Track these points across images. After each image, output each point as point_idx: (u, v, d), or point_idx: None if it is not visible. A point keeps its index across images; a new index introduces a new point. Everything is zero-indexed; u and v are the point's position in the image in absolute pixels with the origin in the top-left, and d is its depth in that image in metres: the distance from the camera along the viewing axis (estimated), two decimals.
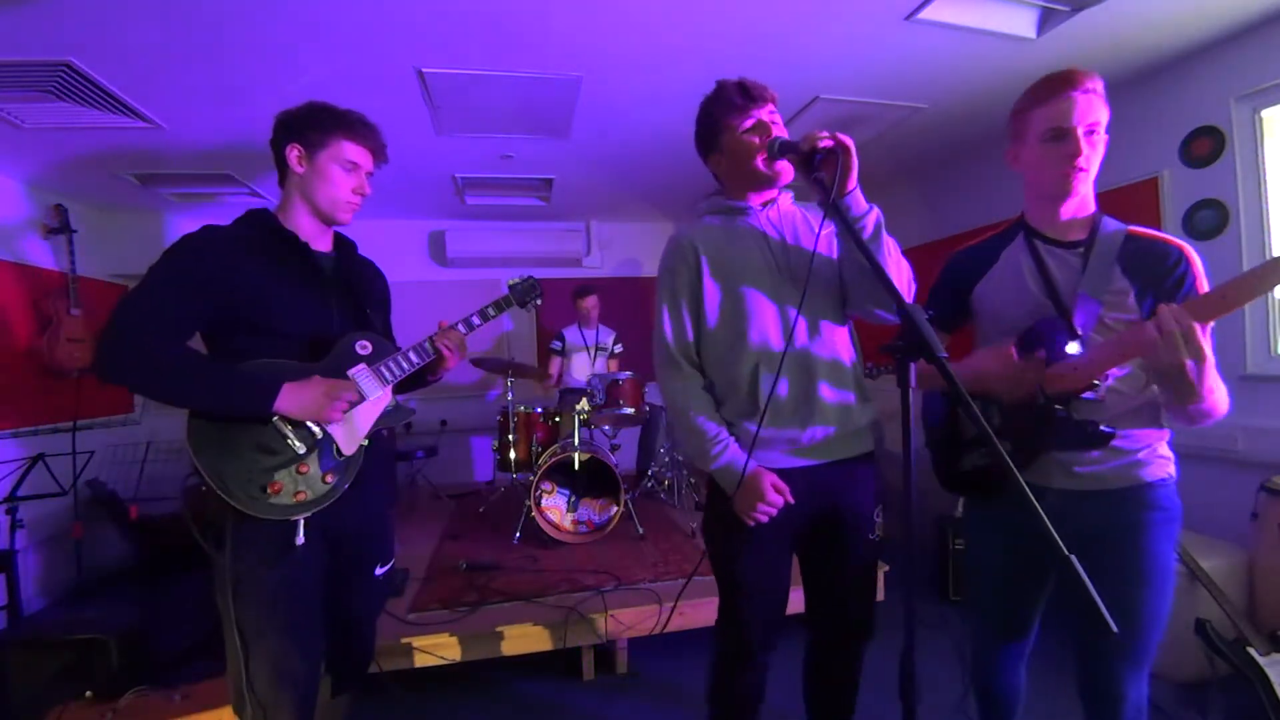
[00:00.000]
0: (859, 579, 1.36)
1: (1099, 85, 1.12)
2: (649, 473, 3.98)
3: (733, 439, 1.27)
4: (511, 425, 3.57)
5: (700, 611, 2.31)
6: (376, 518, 1.43)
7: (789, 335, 1.25)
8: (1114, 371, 1.13)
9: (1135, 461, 1.17)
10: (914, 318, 0.85)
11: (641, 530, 3.10)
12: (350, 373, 1.29)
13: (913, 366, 0.87)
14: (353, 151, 1.30)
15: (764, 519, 1.23)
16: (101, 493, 3.33)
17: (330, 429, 1.27)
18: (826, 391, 1.26)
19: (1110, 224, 1.18)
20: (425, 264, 4.85)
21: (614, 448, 3.73)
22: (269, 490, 1.18)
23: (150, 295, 1.15)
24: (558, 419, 3.68)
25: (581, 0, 1.94)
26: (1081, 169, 1.13)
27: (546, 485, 3.19)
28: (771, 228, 1.32)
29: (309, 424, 1.24)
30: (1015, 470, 0.76)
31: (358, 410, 1.30)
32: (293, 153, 1.28)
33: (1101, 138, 1.13)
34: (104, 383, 1.15)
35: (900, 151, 3.46)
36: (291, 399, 1.19)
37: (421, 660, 2.11)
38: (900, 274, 1.20)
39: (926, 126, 3.06)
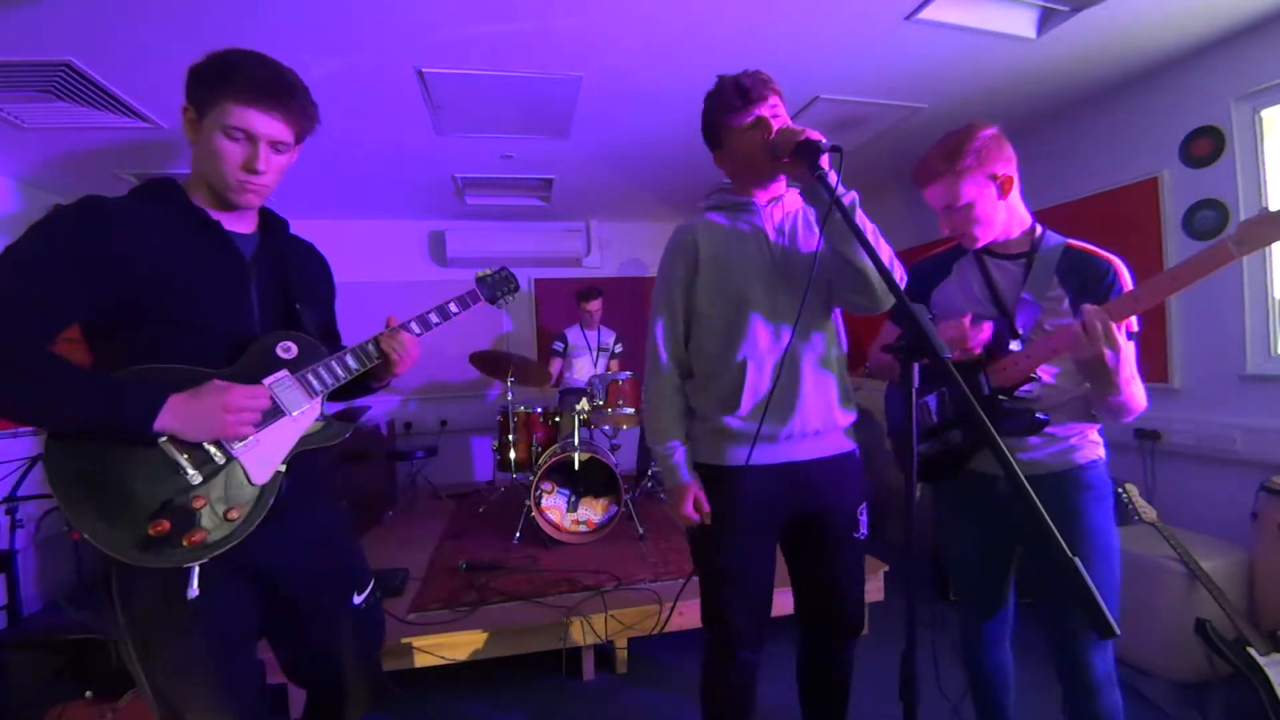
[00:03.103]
0: (846, 577, 1.37)
1: (950, 167, 1.27)
2: (649, 473, 3.98)
3: (684, 448, 1.35)
4: (511, 425, 3.57)
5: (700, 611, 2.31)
6: (324, 546, 1.19)
7: (778, 334, 1.28)
8: (1051, 369, 1.27)
9: (1069, 447, 1.30)
10: (917, 318, 0.85)
11: (641, 530, 3.10)
12: (266, 381, 1.06)
13: (916, 367, 0.87)
14: (241, 117, 1.00)
15: (682, 524, 1.34)
16: None
17: (236, 451, 1.02)
18: (810, 390, 1.29)
19: (1051, 238, 1.32)
20: (425, 264, 4.84)
21: (614, 448, 3.73)
22: (150, 531, 0.92)
23: (3, 284, 0.90)
24: (558, 419, 3.68)
25: (581, 0, 1.94)
26: (968, 235, 1.32)
27: (546, 485, 3.18)
28: (773, 226, 1.33)
29: (207, 445, 0.99)
30: (1004, 448, 0.77)
31: (274, 428, 1.06)
32: (185, 116, 1.03)
33: (970, 204, 1.29)
34: None
35: (900, 151, 3.46)
36: (179, 414, 0.94)
37: (421, 660, 2.11)
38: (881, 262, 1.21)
39: (926, 126, 3.06)
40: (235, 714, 1.02)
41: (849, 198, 1.14)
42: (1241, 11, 2.11)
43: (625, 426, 3.42)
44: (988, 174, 1.26)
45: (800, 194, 1.25)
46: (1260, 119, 2.25)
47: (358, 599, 1.24)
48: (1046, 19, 2.19)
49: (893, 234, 4.57)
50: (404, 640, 2.09)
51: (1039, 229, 1.34)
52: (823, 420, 1.31)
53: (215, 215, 1.07)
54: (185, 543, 0.95)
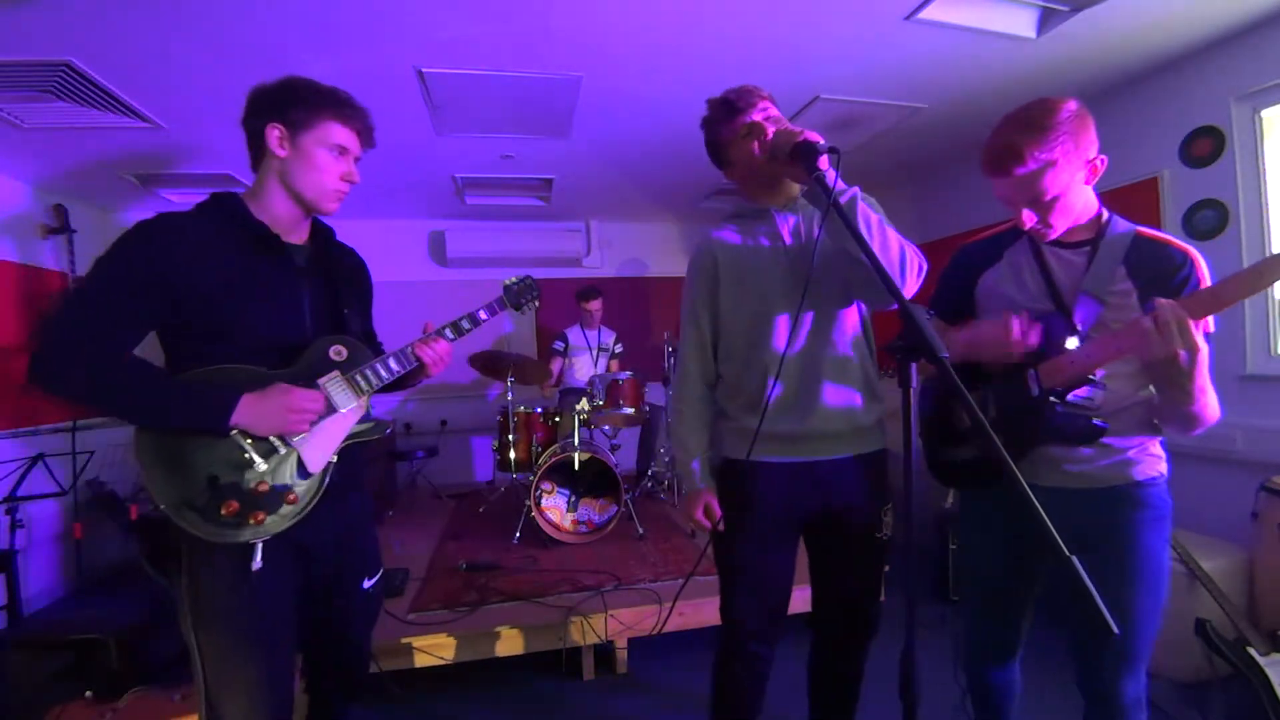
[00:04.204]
0: (865, 578, 1.36)
1: (1031, 155, 1.08)
2: (649, 473, 3.98)
3: (701, 456, 1.40)
4: (511, 425, 3.57)
5: (700, 611, 2.31)
6: (355, 530, 1.32)
7: (794, 335, 1.28)
8: (1100, 371, 1.14)
9: (1126, 460, 1.17)
10: (915, 316, 0.85)
11: (641, 530, 3.10)
12: (321, 382, 1.18)
13: (913, 366, 0.87)
14: (341, 135, 1.18)
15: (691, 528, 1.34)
16: (101, 493, 3.33)
17: (295, 443, 1.15)
18: (830, 388, 1.29)
19: (1119, 224, 1.18)
20: (425, 264, 4.84)
21: (614, 448, 3.73)
22: (223, 512, 1.07)
23: (94, 294, 1.03)
24: (558, 419, 3.68)
25: (581, 0, 1.94)
26: (1047, 228, 1.16)
27: (546, 485, 3.18)
28: (788, 230, 1.34)
29: (272, 438, 1.13)
30: (1013, 466, 0.76)
31: (328, 423, 1.19)
32: (273, 133, 1.14)
33: (1049, 189, 1.10)
34: (40, 391, 1.02)
35: (900, 151, 3.46)
36: (251, 411, 1.08)
37: (421, 660, 2.11)
38: (889, 253, 1.16)
39: (926, 126, 3.06)
40: (264, 676, 1.13)
41: (849, 193, 1.14)
42: (1241, 11, 2.11)
43: (625, 426, 3.42)
44: (1084, 160, 1.10)
45: (803, 194, 1.25)
46: (1260, 119, 2.25)
47: (368, 583, 1.34)
48: (1046, 19, 2.19)
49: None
50: (404, 640, 2.09)
51: (1105, 214, 1.19)
52: (844, 420, 1.30)
53: (276, 229, 1.18)
54: (251, 521, 1.09)
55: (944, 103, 2.79)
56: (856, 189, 1.15)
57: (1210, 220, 2.36)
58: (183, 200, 3.69)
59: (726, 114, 1.30)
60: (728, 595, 1.42)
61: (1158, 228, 1.20)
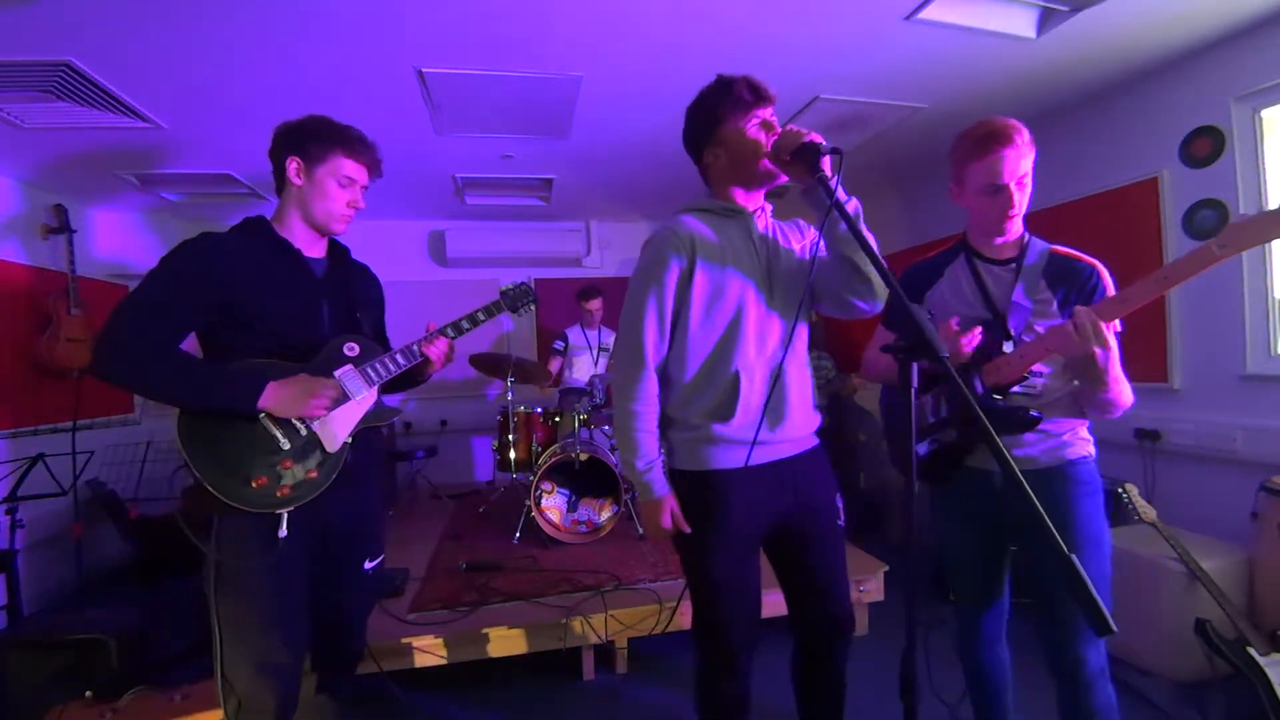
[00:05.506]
0: (837, 569, 1.38)
1: (1025, 135, 1.26)
2: None
3: (659, 461, 1.32)
4: (511, 425, 3.57)
5: (693, 622, 2.31)
6: (364, 513, 1.44)
7: (764, 342, 1.29)
8: (1041, 369, 1.32)
9: (1061, 443, 1.34)
10: (917, 318, 0.85)
11: (641, 530, 3.10)
12: (336, 373, 1.34)
13: (915, 366, 0.87)
14: (350, 168, 1.36)
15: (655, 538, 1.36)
16: (101, 493, 3.32)
17: (315, 426, 1.31)
18: (795, 390, 1.32)
19: (1037, 244, 1.36)
20: (425, 264, 4.85)
21: (614, 448, 3.73)
22: (253, 484, 1.23)
23: (147, 299, 1.20)
24: (558, 419, 3.68)
25: (581, 0, 1.94)
26: (1014, 215, 1.31)
27: (546, 485, 3.19)
28: (758, 231, 1.34)
29: (294, 421, 1.29)
30: (1004, 449, 0.78)
31: (342, 409, 1.35)
32: (292, 165, 1.33)
33: (1029, 181, 1.29)
34: (100, 380, 1.20)
35: (901, 151, 3.46)
36: (275, 396, 1.24)
37: (421, 660, 2.11)
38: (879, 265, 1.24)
39: (926, 126, 3.06)
40: (279, 641, 1.24)
41: (852, 205, 1.15)
42: (1241, 11, 2.11)
43: None
44: (1032, 163, 1.29)
45: (802, 195, 1.24)
46: (1260, 119, 2.25)
47: (368, 565, 1.45)
48: (1046, 19, 2.19)
49: (891, 234, 4.57)
50: (404, 640, 2.10)
51: (1026, 235, 1.37)
52: (805, 422, 1.35)
53: (296, 245, 1.36)
54: (277, 494, 1.25)
55: (944, 103, 2.78)
56: (858, 203, 1.17)
57: (1210, 220, 2.36)
58: (181, 200, 3.69)
59: (751, 98, 1.25)
60: (709, 614, 1.34)
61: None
